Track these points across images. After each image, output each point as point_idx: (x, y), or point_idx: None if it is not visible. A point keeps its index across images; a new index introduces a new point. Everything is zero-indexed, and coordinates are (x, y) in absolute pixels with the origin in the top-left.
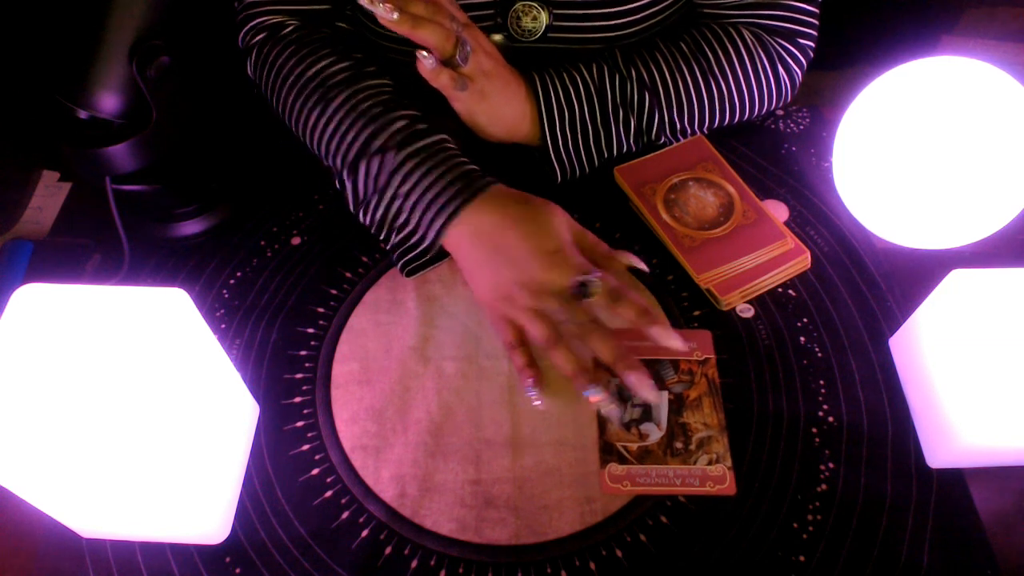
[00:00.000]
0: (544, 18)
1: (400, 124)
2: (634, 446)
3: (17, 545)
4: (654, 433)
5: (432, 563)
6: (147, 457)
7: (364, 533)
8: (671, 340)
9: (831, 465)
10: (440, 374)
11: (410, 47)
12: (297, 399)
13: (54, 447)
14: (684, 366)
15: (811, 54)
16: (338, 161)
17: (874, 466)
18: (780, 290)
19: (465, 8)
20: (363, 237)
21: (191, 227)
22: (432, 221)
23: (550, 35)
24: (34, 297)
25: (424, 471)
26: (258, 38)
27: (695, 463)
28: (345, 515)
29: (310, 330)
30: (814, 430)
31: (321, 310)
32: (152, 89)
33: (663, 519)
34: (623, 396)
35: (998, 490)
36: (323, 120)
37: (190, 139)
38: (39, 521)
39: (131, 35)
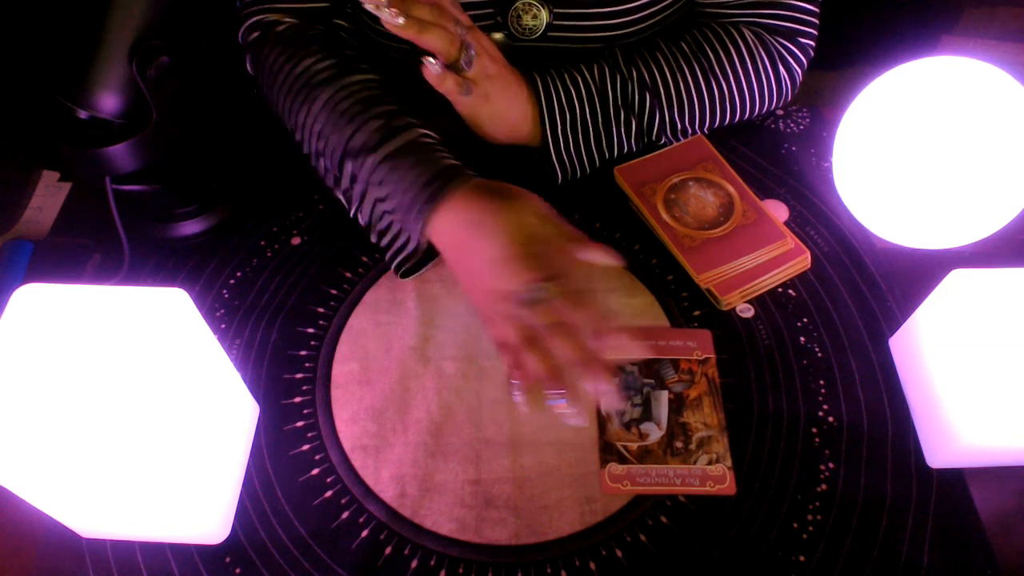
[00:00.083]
0: (544, 16)
1: (376, 124)
2: (634, 446)
3: (17, 545)
4: (654, 433)
5: (432, 563)
6: (147, 457)
7: (364, 533)
8: (596, 255)
9: (831, 465)
10: (440, 374)
11: (408, 45)
12: (297, 399)
13: (54, 447)
14: (684, 366)
15: (811, 53)
16: (323, 163)
17: (874, 466)
18: (780, 290)
19: (465, 7)
20: (363, 237)
21: (191, 227)
22: (412, 224)
23: (550, 33)
24: (34, 297)
25: (424, 471)
26: (254, 36)
27: (695, 463)
28: (345, 515)
29: (310, 330)
30: (814, 430)
31: (321, 310)
32: (152, 89)
33: (663, 519)
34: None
35: (998, 490)
36: (310, 119)
37: (190, 139)
38: (39, 521)
39: (131, 35)
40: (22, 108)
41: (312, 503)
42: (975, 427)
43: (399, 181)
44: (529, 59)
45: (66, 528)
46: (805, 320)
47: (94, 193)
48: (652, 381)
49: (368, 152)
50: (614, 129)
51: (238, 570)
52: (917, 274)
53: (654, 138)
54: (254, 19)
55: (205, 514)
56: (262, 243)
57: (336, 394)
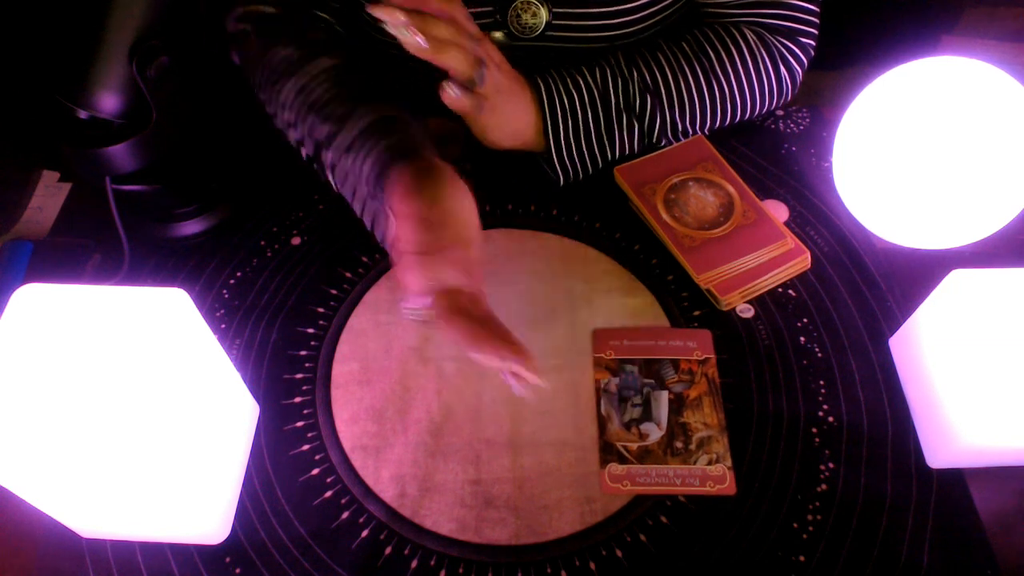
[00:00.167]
0: (544, 15)
1: (341, 110)
2: (634, 446)
3: (17, 545)
4: (654, 433)
5: (432, 563)
6: (147, 457)
7: (364, 533)
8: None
9: (831, 465)
10: (440, 374)
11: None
12: (297, 399)
13: (54, 447)
14: (684, 366)
15: (812, 53)
16: (304, 153)
17: (874, 466)
18: (780, 290)
19: (465, 5)
20: (363, 237)
21: (191, 227)
22: (375, 222)
23: (550, 32)
24: (34, 297)
25: (424, 471)
26: (239, 27)
27: (695, 463)
28: (345, 515)
29: (310, 330)
30: (814, 430)
31: (321, 310)
32: (152, 89)
33: (663, 519)
34: (623, 396)
35: (998, 490)
36: (283, 111)
37: (190, 139)
38: (39, 521)
39: (131, 35)
40: (22, 108)
41: (312, 503)
42: (975, 427)
43: (358, 177)
44: (529, 58)
45: (66, 528)
46: (805, 320)
47: (94, 193)
48: (652, 381)
49: (327, 148)
50: (616, 133)
51: (238, 570)
52: (917, 274)
53: (655, 140)
54: (239, 9)
55: (205, 514)
56: (262, 243)
57: (336, 394)
